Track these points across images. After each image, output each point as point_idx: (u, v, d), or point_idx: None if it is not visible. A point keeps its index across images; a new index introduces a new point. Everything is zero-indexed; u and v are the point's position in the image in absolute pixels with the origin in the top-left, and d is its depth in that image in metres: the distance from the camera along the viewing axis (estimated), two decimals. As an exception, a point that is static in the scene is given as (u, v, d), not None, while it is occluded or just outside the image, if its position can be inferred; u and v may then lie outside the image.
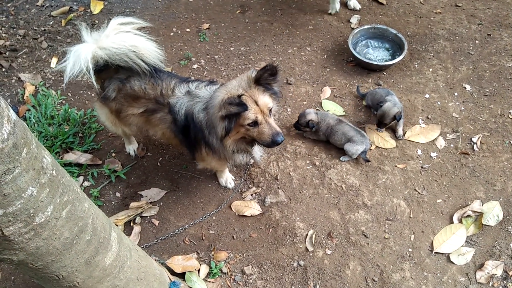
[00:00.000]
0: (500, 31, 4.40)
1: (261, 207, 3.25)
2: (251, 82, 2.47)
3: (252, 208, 3.23)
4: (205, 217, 3.21)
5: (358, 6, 4.69)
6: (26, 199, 1.33)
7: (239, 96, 2.37)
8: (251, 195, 3.33)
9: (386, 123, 3.52)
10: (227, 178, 3.38)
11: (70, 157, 3.49)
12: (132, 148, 3.58)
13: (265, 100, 2.49)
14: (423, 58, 4.22)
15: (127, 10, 4.81)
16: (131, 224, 3.21)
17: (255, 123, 2.49)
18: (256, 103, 2.46)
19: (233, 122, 2.45)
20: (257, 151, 2.93)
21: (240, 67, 4.21)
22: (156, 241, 3.10)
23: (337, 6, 4.61)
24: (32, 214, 1.38)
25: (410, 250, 3.03)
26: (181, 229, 3.15)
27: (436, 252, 3.00)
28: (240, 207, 3.25)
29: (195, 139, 2.73)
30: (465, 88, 3.95)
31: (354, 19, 4.58)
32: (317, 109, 3.71)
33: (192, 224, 3.18)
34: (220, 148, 2.68)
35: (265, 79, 2.49)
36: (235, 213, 3.24)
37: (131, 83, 2.78)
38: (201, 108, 2.61)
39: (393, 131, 3.66)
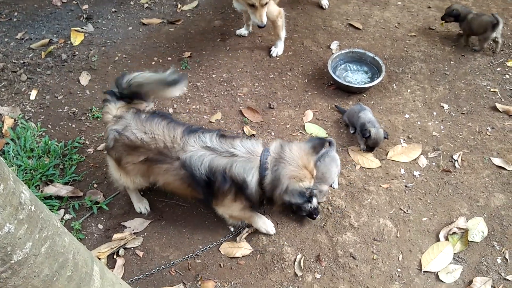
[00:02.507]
0: (473, 51, 4.56)
1: (251, 246, 3.15)
2: (310, 157, 2.80)
3: (243, 248, 3.14)
4: (192, 256, 3.15)
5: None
6: (3, 237, 1.28)
7: (311, 195, 2.86)
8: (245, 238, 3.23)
9: (379, 146, 3.67)
10: (267, 225, 3.22)
11: (51, 190, 3.40)
12: (141, 206, 3.37)
13: (315, 171, 2.88)
14: (401, 79, 4.33)
15: (108, 41, 4.83)
16: (115, 256, 3.12)
17: None
18: (312, 177, 2.82)
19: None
20: None
21: (222, 93, 4.24)
22: (141, 276, 3.01)
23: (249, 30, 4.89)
24: (9, 252, 1.33)
25: (399, 270, 3.01)
26: (168, 265, 3.07)
27: (424, 271, 2.99)
28: (230, 249, 3.13)
29: (221, 192, 2.81)
30: (443, 107, 4.05)
31: (334, 45, 4.70)
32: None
33: (181, 260, 3.08)
34: (255, 200, 2.88)
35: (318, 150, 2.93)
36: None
37: (126, 134, 2.80)
38: (246, 169, 2.73)
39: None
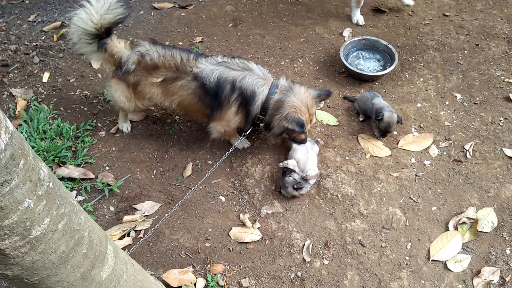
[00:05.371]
0: (488, 41, 4.49)
1: (260, 232, 3.18)
2: (314, 102, 3.21)
3: (252, 233, 3.17)
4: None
5: (411, 2, 4.86)
6: (23, 212, 1.31)
7: (304, 124, 3.13)
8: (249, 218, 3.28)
9: (391, 131, 3.61)
10: (243, 142, 3.62)
11: (63, 171, 3.45)
12: (126, 126, 3.79)
13: (315, 119, 3.33)
14: (414, 68, 4.28)
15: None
16: (126, 237, 3.16)
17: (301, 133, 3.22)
18: (310, 121, 3.25)
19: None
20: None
21: (233, 79, 4.23)
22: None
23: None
24: (28, 227, 1.35)
25: (407, 258, 3.02)
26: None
27: (433, 260, 3.00)
28: (240, 235, 3.16)
29: (226, 102, 3.14)
30: (456, 97, 4.01)
31: (346, 32, 4.65)
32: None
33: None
34: (252, 118, 3.23)
35: (322, 100, 3.41)
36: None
37: (151, 55, 3.14)
38: (258, 84, 3.11)
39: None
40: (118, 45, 3.25)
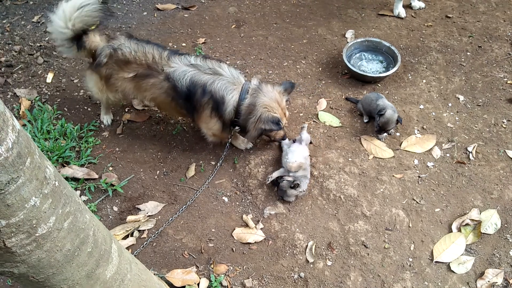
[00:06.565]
0: (491, 42, 4.49)
1: (263, 232, 3.19)
2: (282, 97, 3.24)
3: (255, 234, 3.16)
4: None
5: (422, 5, 4.93)
6: (29, 210, 1.31)
7: (279, 121, 3.18)
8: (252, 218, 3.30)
9: (389, 129, 3.61)
10: (245, 142, 3.63)
11: (67, 171, 3.46)
12: (106, 118, 3.84)
13: (288, 113, 3.32)
14: (416, 70, 4.29)
15: (123, 26, 4.84)
16: (129, 237, 3.17)
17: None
18: (284, 114, 3.27)
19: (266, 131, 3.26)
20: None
21: (236, 80, 4.23)
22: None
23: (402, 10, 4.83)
24: (34, 225, 1.36)
25: (411, 259, 3.02)
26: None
27: (436, 261, 3.00)
28: (243, 235, 3.17)
29: (199, 105, 3.16)
30: (459, 98, 4.01)
31: (349, 34, 4.66)
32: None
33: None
34: (227, 121, 3.25)
35: (289, 92, 3.34)
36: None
37: (122, 50, 3.14)
38: (228, 90, 3.11)
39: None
40: (94, 39, 3.26)
